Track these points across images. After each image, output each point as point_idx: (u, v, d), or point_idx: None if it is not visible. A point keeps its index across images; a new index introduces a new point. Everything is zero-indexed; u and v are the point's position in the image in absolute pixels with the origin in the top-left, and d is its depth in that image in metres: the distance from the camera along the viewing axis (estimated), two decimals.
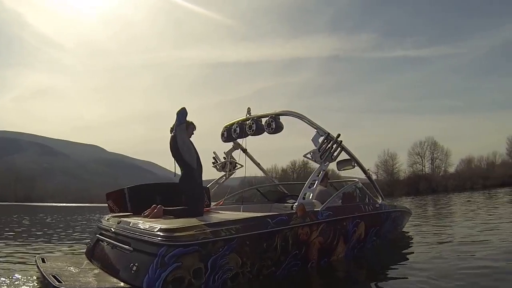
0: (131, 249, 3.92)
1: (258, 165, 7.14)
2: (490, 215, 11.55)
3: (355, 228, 5.54)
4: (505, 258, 5.08)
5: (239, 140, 6.65)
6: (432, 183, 50.67)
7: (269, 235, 4.30)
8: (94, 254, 4.81)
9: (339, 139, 5.27)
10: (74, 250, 7.39)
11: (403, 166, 58.63)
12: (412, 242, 7.04)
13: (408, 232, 8.17)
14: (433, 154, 58.46)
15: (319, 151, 5.19)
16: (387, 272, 4.89)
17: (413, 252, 6.07)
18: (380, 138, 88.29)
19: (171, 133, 5.09)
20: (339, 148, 5.31)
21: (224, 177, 6.80)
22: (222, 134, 6.64)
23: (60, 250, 7.43)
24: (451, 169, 57.72)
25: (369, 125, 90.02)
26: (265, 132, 5.89)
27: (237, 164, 6.98)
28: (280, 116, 5.72)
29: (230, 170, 6.81)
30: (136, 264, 3.71)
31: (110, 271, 4.09)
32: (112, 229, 4.49)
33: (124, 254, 4.01)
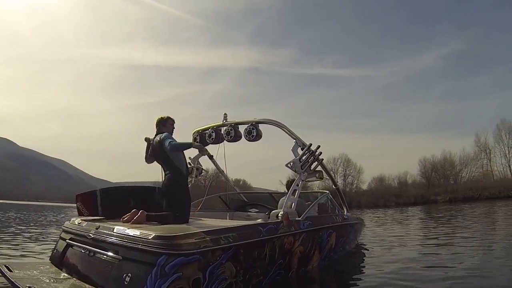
0: (120, 257, 3.64)
1: (222, 172, 7.09)
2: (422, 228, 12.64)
3: (328, 238, 5.76)
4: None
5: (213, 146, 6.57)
6: (346, 199, 52.72)
7: (261, 244, 4.32)
8: (64, 262, 4.42)
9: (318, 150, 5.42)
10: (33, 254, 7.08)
11: (317, 181, 60.85)
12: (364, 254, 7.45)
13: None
14: (346, 171, 61.61)
15: (300, 161, 5.31)
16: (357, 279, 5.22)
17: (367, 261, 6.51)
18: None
19: (150, 141, 5.12)
20: (315, 159, 5.44)
21: (190, 183, 6.59)
22: (195, 139, 6.57)
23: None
24: (363, 186, 61.51)
25: (284, 139, 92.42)
26: (241, 139, 5.94)
27: (202, 170, 6.92)
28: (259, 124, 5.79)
29: (196, 176, 6.70)
30: (130, 274, 3.45)
31: (91, 281, 3.79)
32: (90, 234, 4.14)
33: (110, 263, 3.72)
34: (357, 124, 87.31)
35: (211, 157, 6.78)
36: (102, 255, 3.87)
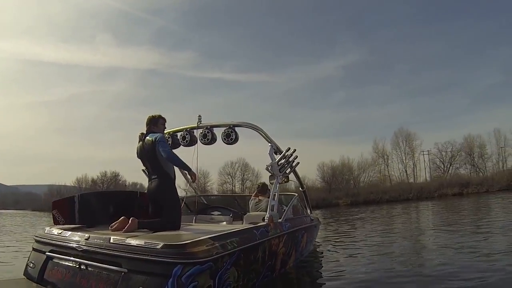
0: (125, 270, 3.47)
1: (184, 175, 7.03)
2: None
3: (301, 238, 6.10)
4: None
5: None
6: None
7: (256, 247, 4.45)
8: (46, 277, 4.10)
9: (294, 154, 5.68)
10: None
11: (215, 185, 61.17)
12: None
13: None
14: (243, 175, 62.24)
15: (278, 165, 5.50)
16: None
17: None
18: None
19: (141, 140, 4.90)
20: (294, 163, 5.75)
21: None
22: (166, 140, 6.33)
23: None
24: None
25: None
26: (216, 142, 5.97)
27: None
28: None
29: None
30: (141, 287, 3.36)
31: None
32: (80, 246, 3.84)
33: (111, 276, 3.55)
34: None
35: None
36: (98, 269, 3.67)
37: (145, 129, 4.97)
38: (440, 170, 54.72)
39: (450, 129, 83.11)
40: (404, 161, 57.49)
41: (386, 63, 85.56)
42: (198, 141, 6.02)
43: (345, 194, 46.95)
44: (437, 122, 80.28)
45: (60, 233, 4.28)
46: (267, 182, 6.41)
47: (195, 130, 6.10)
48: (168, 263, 3.33)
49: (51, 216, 4.83)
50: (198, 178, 5.93)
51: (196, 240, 3.60)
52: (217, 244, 3.69)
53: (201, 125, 6.01)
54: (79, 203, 4.94)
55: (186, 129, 6.11)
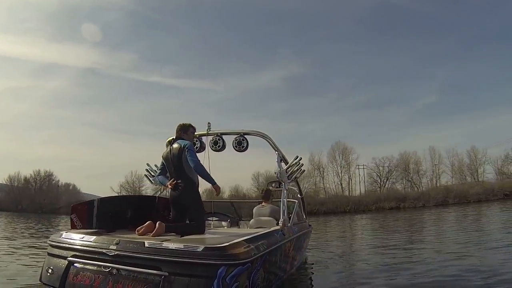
0: (166, 273, 3.53)
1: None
2: None
3: (303, 242, 6.52)
4: None
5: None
6: None
7: (277, 250, 4.77)
8: (68, 283, 4.03)
9: (301, 161, 6.06)
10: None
11: (149, 190, 61.24)
12: None
13: None
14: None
15: (286, 172, 5.88)
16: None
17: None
18: (130, 159, 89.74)
19: (170, 145, 5.18)
20: (301, 170, 6.09)
21: (159, 191, 6.64)
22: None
23: None
24: None
25: (119, 144, 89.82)
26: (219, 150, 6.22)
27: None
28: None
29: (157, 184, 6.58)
30: None
31: None
32: (111, 250, 3.82)
33: (151, 280, 3.60)
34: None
35: None
36: (134, 273, 3.70)
37: (173, 135, 5.24)
38: (377, 184, 57.38)
39: (387, 144, 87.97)
40: (340, 174, 59.77)
41: (325, 76, 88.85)
42: (208, 147, 6.23)
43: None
44: (375, 137, 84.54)
45: (82, 238, 4.21)
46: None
47: (204, 137, 6.32)
48: (212, 264, 3.47)
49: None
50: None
51: (235, 243, 3.78)
52: (252, 246, 3.92)
53: (210, 132, 6.24)
54: (98, 208, 4.98)
55: (195, 136, 6.20)
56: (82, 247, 4.11)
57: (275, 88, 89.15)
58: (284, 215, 5.52)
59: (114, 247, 3.83)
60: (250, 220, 6.66)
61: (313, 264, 7.37)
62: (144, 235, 4.47)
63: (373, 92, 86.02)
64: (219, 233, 4.96)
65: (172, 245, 3.68)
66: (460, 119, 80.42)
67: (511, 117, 73.57)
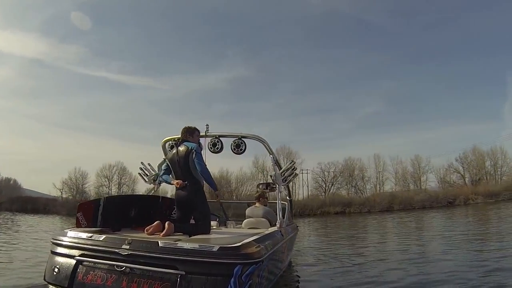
0: (182, 272, 3.68)
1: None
2: None
3: (292, 242, 6.88)
4: None
5: None
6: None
7: (278, 250, 5.08)
8: (77, 282, 4.06)
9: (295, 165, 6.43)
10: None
11: (92, 186, 60.81)
12: None
13: None
14: (120, 179, 61.92)
15: (282, 175, 6.19)
16: None
17: None
18: (73, 156, 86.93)
19: (176, 147, 5.31)
20: (294, 174, 6.38)
21: (153, 190, 6.76)
22: (172, 146, 6.44)
23: None
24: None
25: (62, 139, 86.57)
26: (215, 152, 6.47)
27: None
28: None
29: (160, 183, 6.72)
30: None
31: None
32: (124, 250, 3.91)
33: (167, 279, 3.73)
34: (132, 133, 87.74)
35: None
36: (149, 272, 3.81)
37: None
38: (322, 189, 58.75)
39: (332, 150, 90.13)
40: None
41: (272, 81, 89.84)
42: (207, 149, 6.42)
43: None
44: (320, 143, 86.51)
45: (90, 237, 4.24)
46: None
47: (202, 139, 6.36)
48: (228, 263, 3.66)
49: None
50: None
51: (247, 243, 4.00)
52: (262, 246, 4.18)
53: (209, 134, 6.47)
54: (104, 206, 4.99)
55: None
56: (91, 246, 4.16)
57: (220, 90, 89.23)
58: (280, 216, 5.82)
59: (127, 247, 3.92)
60: (234, 220, 6.99)
61: None
62: (153, 234, 4.61)
63: (318, 99, 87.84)
64: (224, 233, 5.19)
65: (187, 245, 3.85)
66: (405, 129, 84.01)
67: (453, 129, 76.92)
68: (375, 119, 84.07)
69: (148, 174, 6.75)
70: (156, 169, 6.74)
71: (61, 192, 60.22)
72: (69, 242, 4.32)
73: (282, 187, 6.43)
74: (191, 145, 5.20)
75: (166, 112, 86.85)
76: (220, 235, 4.89)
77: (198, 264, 3.69)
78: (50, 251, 4.48)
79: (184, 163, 5.12)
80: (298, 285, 6.10)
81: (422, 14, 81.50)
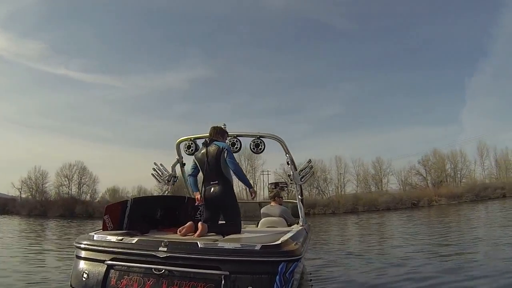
0: (226, 272, 3.66)
1: (185, 181, 7.27)
2: None
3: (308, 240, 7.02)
4: None
5: None
6: (89, 208, 51.60)
7: (307, 247, 5.25)
8: (113, 287, 3.98)
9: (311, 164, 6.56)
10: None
11: (52, 186, 60.05)
12: None
13: None
14: (81, 179, 61.50)
15: (300, 174, 6.34)
16: None
17: None
18: (30, 154, 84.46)
19: (206, 147, 5.27)
20: (311, 172, 6.56)
21: (167, 191, 6.68)
22: (189, 147, 6.59)
23: None
24: (98, 196, 61.81)
25: (18, 137, 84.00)
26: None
27: (177, 178, 6.99)
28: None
29: (173, 184, 6.77)
30: (251, 287, 3.64)
31: None
32: (162, 252, 3.85)
33: (211, 279, 3.73)
34: (93, 132, 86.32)
35: (183, 165, 7.06)
36: (190, 274, 3.79)
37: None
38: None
39: (294, 151, 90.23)
40: None
41: (231, 82, 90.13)
42: None
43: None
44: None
45: (121, 240, 4.14)
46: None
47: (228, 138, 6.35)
48: (273, 261, 3.68)
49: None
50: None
51: (285, 240, 4.03)
52: (299, 243, 4.24)
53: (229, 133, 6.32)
54: (131, 208, 4.89)
55: (209, 137, 6.08)
56: (123, 250, 4.04)
57: (180, 90, 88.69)
58: (303, 215, 6.02)
59: (165, 249, 3.85)
60: (242, 220, 7.04)
61: None
62: (186, 235, 4.61)
63: (277, 101, 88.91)
64: (254, 232, 5.23)
65: (228, 245, 3.85)
66: (365, 132, 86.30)
67: (414, 132, 79.80)
68: (335, 121, 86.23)
69: (162, 175, 6.71)
70: (170, 170, 6.74)
71: (20, 192, 59.07)
72: (97, 246, 4.19)
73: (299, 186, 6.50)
74: (222, 144, 5.23)
75: (126, 112, 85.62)
76: (252, 234, 4.91)
77: (242, 264, 3.69)
78: (75, 256, 4.33)
79: (215, 162, 5.11)
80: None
81: (382, 18, 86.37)
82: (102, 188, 61.82)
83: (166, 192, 6.71)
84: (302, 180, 6.40)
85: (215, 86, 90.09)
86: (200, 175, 5.39)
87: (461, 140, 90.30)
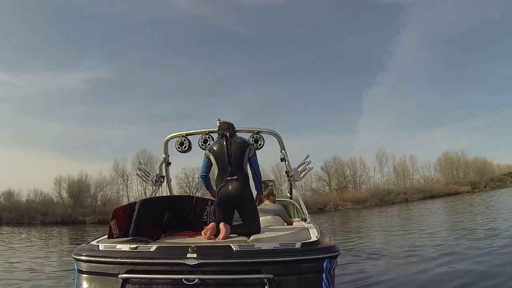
0: (270, 275, 3.41)
1: (169, 181, 6.98)
2: None
3: None
4: None
5: None
6: None
7: None
8: None
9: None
10: None
11: None
12: None
13: None
14: None
15: (298, 171, 6.24)
16: None
17: None
18: None
19: (226, 139, 4.83)
20: (310, 168, 6.42)
21: (155, 193, 6.23)
22: (182, 143, 6.23)
23: None
24: None
25: None
26: None
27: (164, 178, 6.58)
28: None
29: (160, 184, 6.38)
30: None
31: None
32: (192, 260, 3.43)
33: (253, 284, 3.50)
34: None
35: (169, 164, 6.82)
36: (227, 280, 3.53)
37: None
38: (186, 194, 59.18)
39: (193, 156, 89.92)
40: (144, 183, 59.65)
41: (130, 84, 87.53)
42: None
43: (92, 212, 47.19)
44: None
45: (135, 248, 3.65)
46: None
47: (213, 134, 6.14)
48: (318, 259, 3.52)
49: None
50: None
51: (319, 237, 3.91)
52: (331, 239, 4.08)
53: None
54: (138, 212, 4.32)
55: (206, 132, 6.13)
56: (142, 260, 3.57)
57: (77, 90, 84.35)
58: (306, 212, 6.01)
59: (194, 255, 3.46)
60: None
61: None
62: (210, 238, 4.23)
63: (176, 106, 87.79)
64: (275, 230, 4.89)
65: (266, 246, 3.62)
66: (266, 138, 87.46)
67: (314, 140, 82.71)
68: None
69: (148, 175, 6.25)
70: (157, 170, 6.38)
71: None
72: (107, 257, 3.64)
73: (296, 183, 6.49)
74: (248, 141, 5.01)
75: (22, 111, 79.53)
76: (275, 233, 4.54)
77: (284, 264, 3.48)
78: (76, 271, 3.73)
79: (240, 156, 4.72)
80: None
81: (291, 29, 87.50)
82: None
83: (154, 193, 6.21)
84: (301, 176, 6.34)
85: (114, 88, 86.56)
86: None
87: (360, 148, 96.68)
